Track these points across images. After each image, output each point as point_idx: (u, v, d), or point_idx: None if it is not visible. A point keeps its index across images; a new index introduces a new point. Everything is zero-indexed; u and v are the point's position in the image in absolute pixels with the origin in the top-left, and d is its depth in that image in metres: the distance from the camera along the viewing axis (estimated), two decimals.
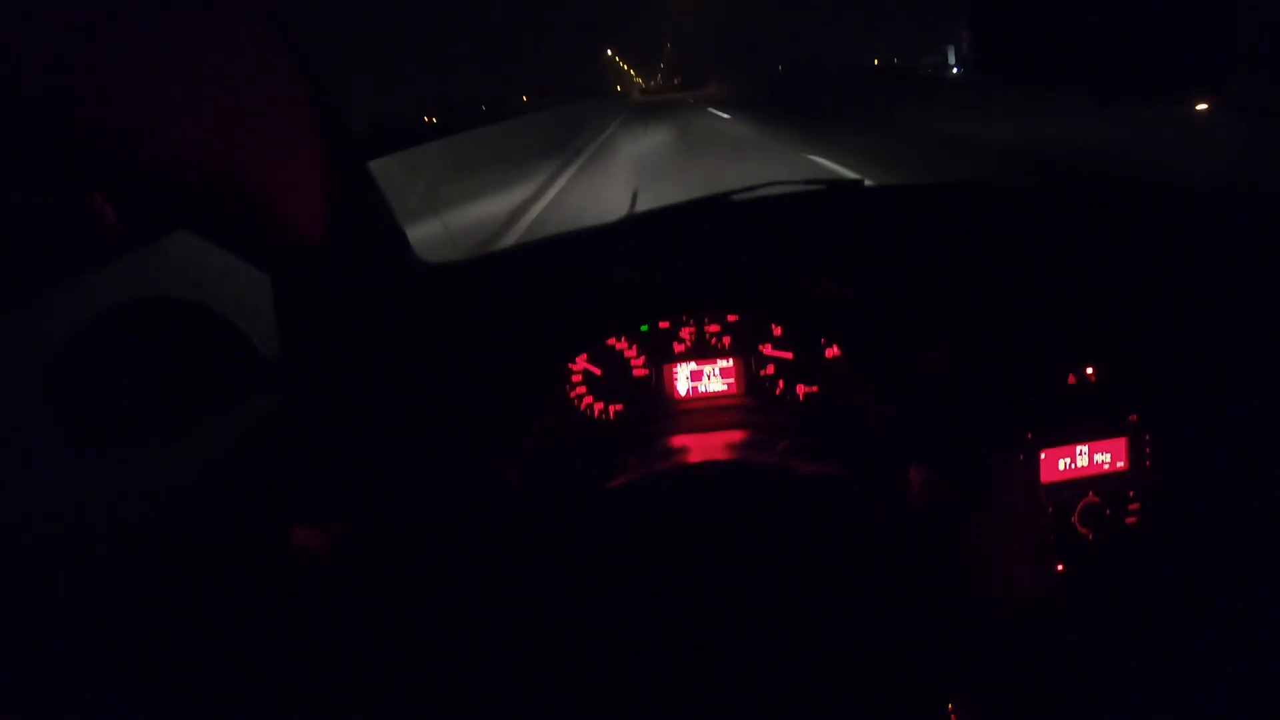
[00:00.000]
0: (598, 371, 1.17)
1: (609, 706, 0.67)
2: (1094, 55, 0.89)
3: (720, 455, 0.97)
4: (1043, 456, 1.04)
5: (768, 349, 1.17)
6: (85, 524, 1.19)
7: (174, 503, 0.92)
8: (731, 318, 1.18)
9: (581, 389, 1.18)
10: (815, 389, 1.15)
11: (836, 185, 1.41)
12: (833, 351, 1.14)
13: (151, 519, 0.90)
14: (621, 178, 10.22)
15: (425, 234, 5.56)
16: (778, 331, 1.16)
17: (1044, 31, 0.89)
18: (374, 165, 0.97)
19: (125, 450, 0.81)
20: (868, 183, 1.44)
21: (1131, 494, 1.07)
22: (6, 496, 1.42)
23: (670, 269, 1.17)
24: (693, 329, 1.19)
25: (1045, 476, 1.04)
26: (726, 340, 1.19)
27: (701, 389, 1.19)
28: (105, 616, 0.81)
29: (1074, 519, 1.05)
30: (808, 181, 1.43)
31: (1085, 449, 1.06)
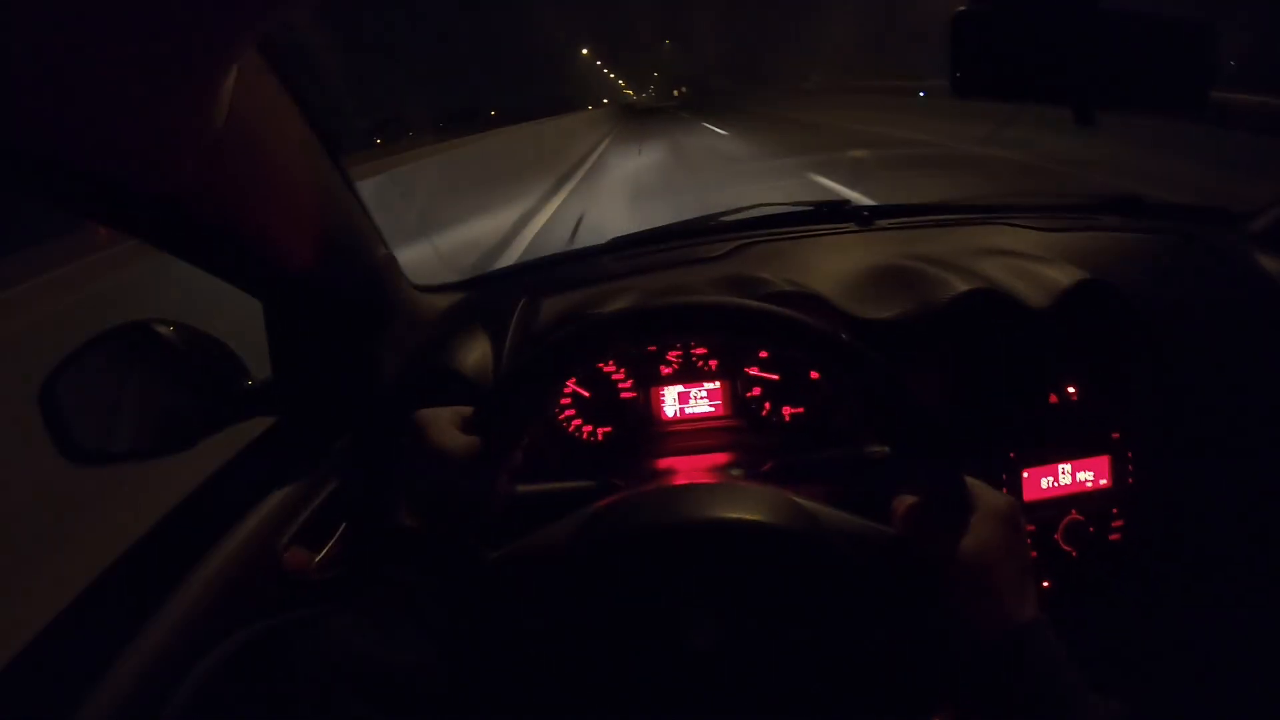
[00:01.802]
0: (586, 394, 1.18)
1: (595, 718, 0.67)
2: (1074, 72, 0.91)
3: (705, 478, 0.98)
4: (1025, 475, 1.05)
5: (754, 370, 1.18)
6: (75, 545, 1.19)
7: (165, 523, 0.92)
8: (717, 340, 1.19)
9: (570, 411, 1.18)
10: (801, 410, 1.16)
11: (822, 206, 1.43)
12: (817, 373, 1.15)
13: (143, 540, 0.90)
14: None
15: (416, 256, 5.56)
16: (764, 354, 1.17)
17: (1023, 50, 0.92)
18: (364, 186, 0.99)
19: (118, 471, 0.82)
20: (852, 203, 1.46)
21: (1115, 511, 1.08)
22: (5, 504, 1.42)
23: (658, 300, 1.18)
24: (680, 351, 1.20)
25: (1028, 495, 1.05)
26: (714, 363, 1.20)
27: (689, 411, 1.20)
28: (96, 631, 0.81)
29: (1057, 537, 1.06)
30: (795, 203, 1.45)
31: (1068, 467, 1.07)
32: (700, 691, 0.66)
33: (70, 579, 0.85)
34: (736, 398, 1.19)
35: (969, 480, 0.70)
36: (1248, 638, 1.07)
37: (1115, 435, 1.07)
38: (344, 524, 0.93)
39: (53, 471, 0.87)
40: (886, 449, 1.02)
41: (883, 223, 1.40)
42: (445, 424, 0.73)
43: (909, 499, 0.70)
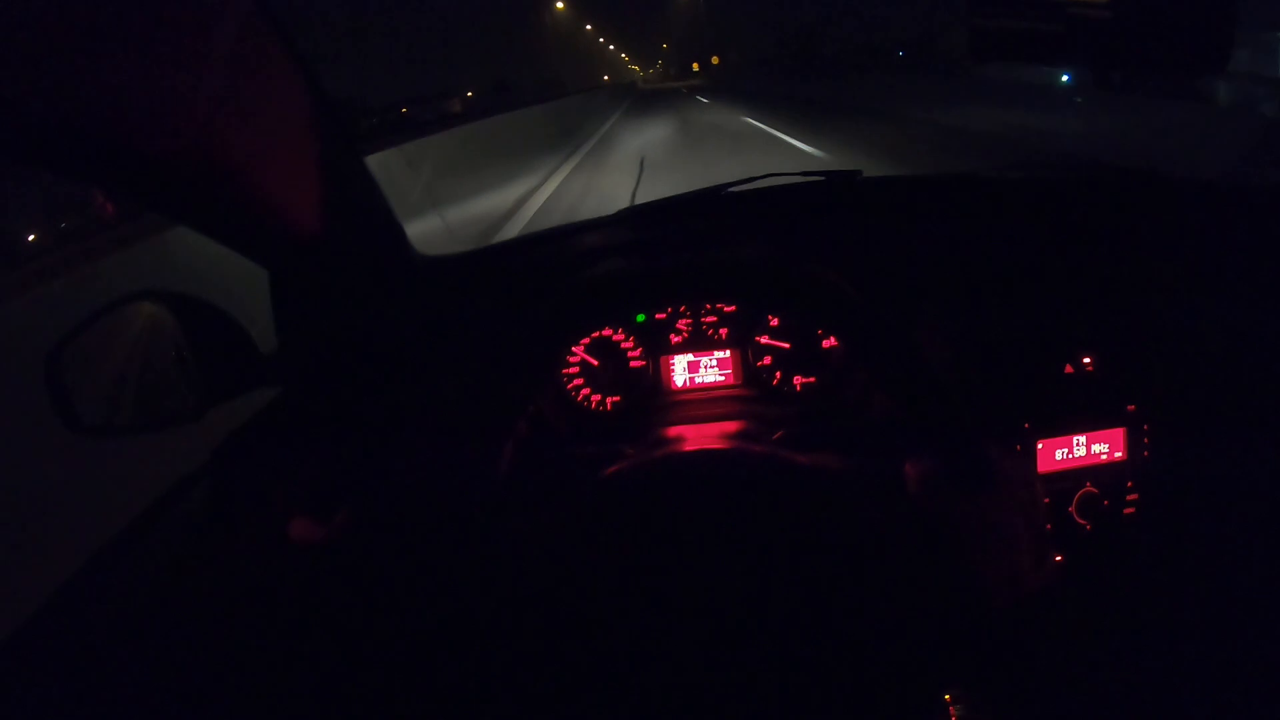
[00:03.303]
0: (595, 363, 1.18)
1: (603, 692, 0.67)
2: (1094, 33, 0.89)
3: (715, 444, 0.98)
4: (1040, 447, 1.04)
5: (765, 339, 1.17)
6: (83, 515, 1.20)
7: (172, 495, 0.92)
8: (728, 308, 1.18)
9: (579, 380, 1.18)
10: (813, 379, 1.15)
11: (834, 176, 1.41)
12: (829, 342, 1.14)
13: (150, 512, 0.90)
14: None
15: (424, 228, 5.55)
16: (774, 322, 1.16)
17: (1042, 11, 0.90)
18: (372, 160, 0.97)
19: (125, 443, 0.82)
20: (865, 174, 1.44)
21: (1129, 484, 1.07)
22: (7, 486, 1.43)
23: (667, 260, 1.17)
24: (689, 320, 1.19)
25: (1043, 467, 1.04)
26: (724, 331, 1.19)
27: (699, 380, 1.19)
28: (102, 607, 0.81)
29: (1072, 509, 1.05)
30: (805, 173, 1.43)
31: (1083, 439, 1.06)
32: (710, 664, 0.66)
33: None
34: (747, 366, 1.18)
35: (982, 449, 0.69)
36: (1260, 614, 1.07)
37: (1131, 408, 1.06)
38: (351, 493, 0.93)
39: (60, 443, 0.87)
40: (899, 417, 1.02)
41: (894, 192, 1.38)
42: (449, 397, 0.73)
43: (923, 465, 0.69)
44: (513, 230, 7.12)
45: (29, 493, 1.49)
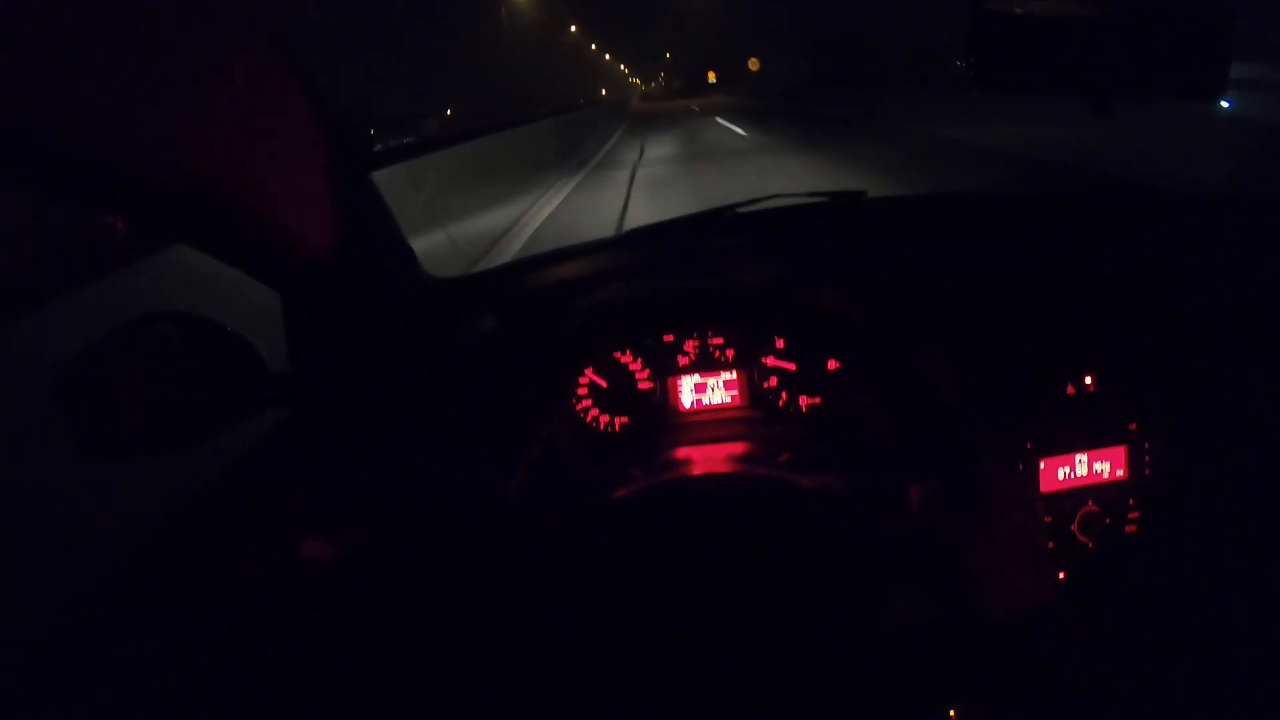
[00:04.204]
0: (603, 384, 1.19)
1: (611, 710, 0.68)
2: (1093, 62, 0.91)
3: (722, 467, 0.98)
4: (1042, 466, 1.05)
5: (770, 360, 1.18)
6: (95, 535, 1.21)
7: (184, 514, 0.93)
8: (735, 330, 1.19)
9: (587, 402, 1.19)
10: (818, 400, 1.16)
11: (839, 197, 1.42)
12: (834, 363, 1.15)
13: (161, 531, 0.91)
14: None
15: (430, 246, 5.56)
16: (780, 343, 1.17)
17: (1043, 42, 0.91)
18: (378, 177, 0.99)
19: (136, 463, 0.83)
20: (869, 194, 1.45)
21: (1131, 502, 1.07)
22: (17, 505, 1.43)
23: (674, 282, 1.18)
24: (696, 342, 1.20)
25: (1045, 486, 1.05)
26: (730, 353, 1.20)
27: (706, 401, 1.20)
28: (113, 626, 0.82)
29: (1074, 528, 1.05)
30: (810, 194, 1.44)
31: (1085, 458, 1.06)
32: (717, 683, 0.67)
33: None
34: (753, 388, 1.19)
35: (985, 469, 0.70)
36: (1261, 631, 1.07)
37: (1133, 426, 1.07)
38: (362, 513, 0.93)
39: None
40: (903, 438, 1.02)
41: (897, 212, 1.39)
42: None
43: (926, 486, 0.70)
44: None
45: (38, 509, 1.50)
